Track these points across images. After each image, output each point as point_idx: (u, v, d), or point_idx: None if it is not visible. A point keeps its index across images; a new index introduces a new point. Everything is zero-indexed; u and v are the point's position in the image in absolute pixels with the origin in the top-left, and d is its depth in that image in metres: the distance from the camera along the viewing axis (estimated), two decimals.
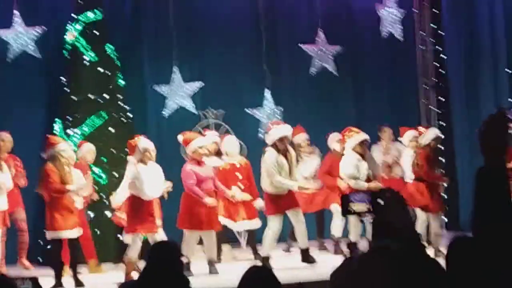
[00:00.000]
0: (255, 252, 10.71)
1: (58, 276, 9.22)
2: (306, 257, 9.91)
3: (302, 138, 10.90)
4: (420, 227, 10.02)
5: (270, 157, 9.75)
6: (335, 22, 13.48)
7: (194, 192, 9.60)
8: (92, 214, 10.83)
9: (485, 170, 2.89)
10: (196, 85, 12.49)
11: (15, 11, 11.72)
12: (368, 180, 10.12)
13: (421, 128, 10.95)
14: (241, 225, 10.76)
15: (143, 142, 9.64)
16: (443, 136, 11.18)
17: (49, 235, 9.47)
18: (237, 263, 10.37)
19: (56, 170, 9.32)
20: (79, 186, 9.49)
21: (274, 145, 9.79)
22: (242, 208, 10.56)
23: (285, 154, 9.83)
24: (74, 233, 9.41)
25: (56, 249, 9.53)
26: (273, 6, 13.44)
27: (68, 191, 9.32)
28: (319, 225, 11.41)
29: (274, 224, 9.86)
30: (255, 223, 10.75)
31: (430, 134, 10.64)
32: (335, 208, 10.78)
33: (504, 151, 2.92)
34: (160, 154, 10.02)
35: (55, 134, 11.00)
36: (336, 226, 11.06)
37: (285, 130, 9.99)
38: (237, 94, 12.77)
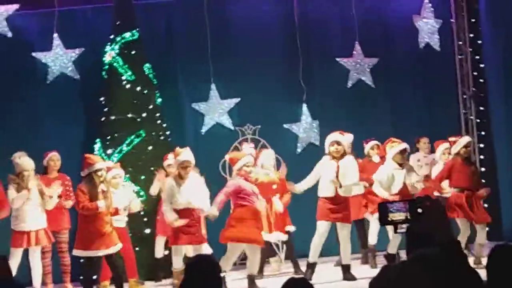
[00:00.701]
0: (295, 265, 10.76)
1: None
2: (346, 274, 9.90)
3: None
4: (461, 238, 9.92)
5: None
6: (371, 34, 13.38)
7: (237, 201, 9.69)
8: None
9: None
10: (233, 102, 12.51)
11: (55, 34, 11.88)
12: (405, 189, 10.09)
13: (451, 139, 10.86)
14: (276, 236, 10.69)
15: (182, 154, 9.77)
16: (469, 141, 11.00)
17: (74, 252, 9.63)
18: (279, 278, 10.29)
19: (87, 189, 9.39)
20: (108, 204, 9.48)
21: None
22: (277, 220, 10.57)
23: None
24: (108, 251, 9.45)
25: (85, 267, 9.61)
26: (308, 20, 13.40)
27: (97, 209, 9.34)
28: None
29: (320, 229, 9.90)
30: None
31: (461, 142, 10.57)
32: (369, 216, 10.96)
33: None
34: (198, 170, 10.07)
35: (95, 155, 11.09)
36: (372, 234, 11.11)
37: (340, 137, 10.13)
38: (274, 110, 12.73)
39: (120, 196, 10.10)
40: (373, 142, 11.17)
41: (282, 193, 10.65)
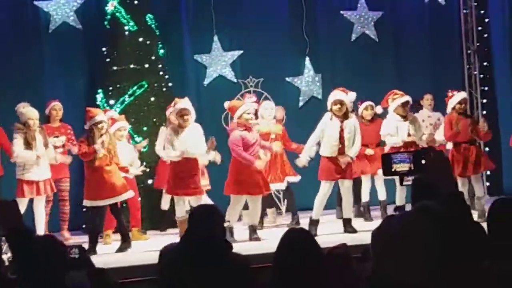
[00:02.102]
0: (293, 218, 10.78)
1: (92, 242, 9.22)
2: (347, 227, 9.90)
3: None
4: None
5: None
6: None
7: (244, 157, 9.56)
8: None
9: None
10: (236, 54, 12.39)
11: None
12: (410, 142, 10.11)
13: (449, 94, 10.76)
14: (274, 187, 10.68)
15: (180, 103, 9.70)
16: (465, 97, 10.89)
17: (84, 203, 9.60)
18: (278, 228, 10.28)
19: (87, 140, 9.36)
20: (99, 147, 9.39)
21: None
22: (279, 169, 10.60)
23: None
24: (112, 200, 9.44)
25: (91, 215, 9.61)
26: None
27: (94, 151, 9.27)
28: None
29: (324, 189, 9.86)
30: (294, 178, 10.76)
31: (456, 98, 10.46)
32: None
33: None
34: (200, 122, 9.97)
35: (97, 105, 11.06)
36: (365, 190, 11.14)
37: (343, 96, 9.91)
38: (277, 63, 12.67)
39: (125, 151, 10.10)
40: (367, 103, 11.01)
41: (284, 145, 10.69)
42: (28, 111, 9.71)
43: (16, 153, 9.59)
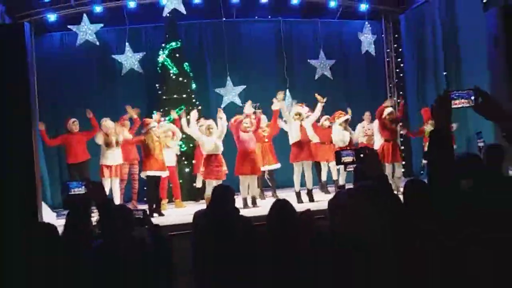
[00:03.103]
0: (274, 192, 10.69)
1: (150, 207, 9.20)
2: (310, 196, 9.83)
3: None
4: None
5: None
6: (331, 44, 13.26)
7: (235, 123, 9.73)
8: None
9: (435, 132, 2.74)
10: (241, 88, 12.33)
11: (127, 43, 11.71)
12: (350, 142, 10.20)
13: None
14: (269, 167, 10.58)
15: (206, 122, 9.78)
16: (391, 110, 10.78)
17: (142, 174, 9.59)
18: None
19: (144, 138, 9.33)
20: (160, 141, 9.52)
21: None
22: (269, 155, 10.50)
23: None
24: (157, 173, 9.40)
25: (148, 188, 9.51)
26: (291, 36, 13.33)
27: (145, 140, 9.31)
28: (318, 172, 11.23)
29: (296, 169, 9.81)
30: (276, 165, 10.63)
31: (386, 111, 10.43)
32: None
33: (449, 119, 2.77)
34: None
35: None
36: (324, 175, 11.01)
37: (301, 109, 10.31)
38: (267, 93, 12.53)
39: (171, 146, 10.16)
40: (325, 116, 10.96)
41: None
42: (108, 123, 9.89)
43: (99, 140, 9.84)
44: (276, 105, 10.00)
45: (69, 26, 11.33)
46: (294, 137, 9.88)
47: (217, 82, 12.43)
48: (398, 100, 13.30)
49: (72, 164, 9.95)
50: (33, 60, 10.93)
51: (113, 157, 9.80)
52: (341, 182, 10.46)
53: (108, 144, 9.74)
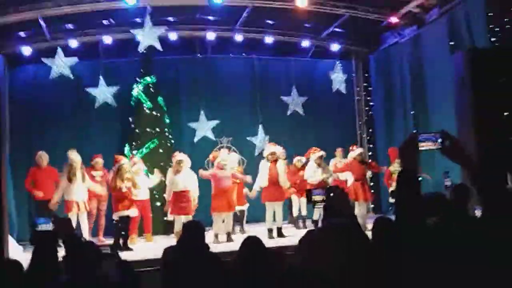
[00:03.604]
0: (242, 228, 10.65)
1: (116, 241, 9.09)
2: (280, 233, 9.78)
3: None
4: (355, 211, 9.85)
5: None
6: (304, 82, 13.35)
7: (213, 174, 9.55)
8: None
9: (403, 172, 2.76)
10: (214, 122, 12.32)
11: (101, 76, 11.65)
12: (322, 181, 10.09)
13: (351, 148, 10.84)
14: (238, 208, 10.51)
15: (178, 155, 9.64)
16: (362, 151, 10.98)
17: (114, 215, 9.37)
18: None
19: (116, 177, 9.19)
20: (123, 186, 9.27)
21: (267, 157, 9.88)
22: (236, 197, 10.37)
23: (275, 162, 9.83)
24: (128, 212, 9.25)
25: (118, 224, 9.35)
26: (265, 73, 13.42)
27: (120, 189, 9.11)
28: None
29: (269, 208, 9.75)
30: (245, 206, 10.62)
31: (356, 151, 10.50)
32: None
33: (416, 160, 2.79)
34: (192, 166, 9.91)
35: (124, 154, 10.91)
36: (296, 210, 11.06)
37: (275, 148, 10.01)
38: (240, 128, 12.67)
39: (143, 180, 9.99)
40: (298, 157, 11.00)
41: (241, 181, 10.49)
42: (73, 156, 9.51)
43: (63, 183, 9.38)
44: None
45: (43, 59, 11.23)
46: (264, 179, 9.81)
47: (191, 116, 12.41)
48: (369, 145, 13.52)
49: (41, 201, 9.68)
50: (6, 92, 10.78)
51: (78, 192, 9.41)
52: (315, 217, 10.39)
53: (70, 179, 9.32)
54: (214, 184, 9.57)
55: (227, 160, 9.85)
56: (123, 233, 9.23)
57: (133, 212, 9.35)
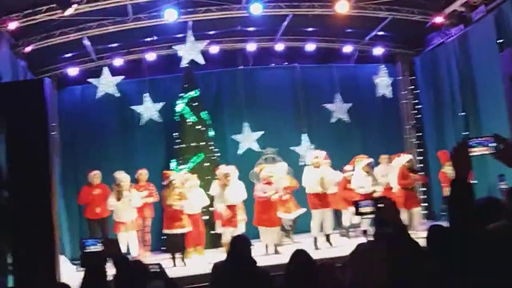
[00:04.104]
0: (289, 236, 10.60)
1: (173, 257, 9.17)
2: (328, 240, 9.67)
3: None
4: (404, 219, 9.59)
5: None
6: (348, 88, 13.14)
7: (261, 197, 9.42)
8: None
9: (456, 180, 2.63)
10: (259, 134, 12.32)
11: (146, 94, 11.84)
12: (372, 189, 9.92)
13: (400, 155, 10.64)
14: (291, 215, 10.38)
15: (223, 169, 9.68)
16: (411, 158, 10.81)
17: (164, 231, 9.48)
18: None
19: (167, 193, 9.28)
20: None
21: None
22: (290, 204, 10.26)
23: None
24: (178, 231, 9.31)
25: (170, 240, 9.38)
26: (307, 81, 13.30)
27: (171, 206, 9.16)
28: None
29: (315, 216, 9.63)
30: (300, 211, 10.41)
31: (405, 158, 10.25)
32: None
33: (469, 167, 2.71)
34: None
35: (170, 169, 11.01)
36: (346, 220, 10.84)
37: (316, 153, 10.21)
38: (284, 138, 12.56)
39: (197, 195, 10.04)
40: (347, 169, 10.81)
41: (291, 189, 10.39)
42: (121, 176, 9.68)
43: (110, 203, 9.54)
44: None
45: (89, 80, 11.50)
46: (312, 187, 9.72)
47: (234, 129, 12.44)
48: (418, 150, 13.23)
49: (92, 220, 9.86)
50: (56, 113, 11.10)
51: (126, 213, 9.55)
52: (363, 227, 10.20)
53: (119, 199, 9.48)
54: (258, 198, 9.54)
55: (273, 173, 9.81)
56: (176, 249, 9.29)
57: (185, 229, 9.41)
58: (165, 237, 9.95)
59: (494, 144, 2.71)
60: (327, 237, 9.67)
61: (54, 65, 12.07)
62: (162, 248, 10.68)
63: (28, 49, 10.43)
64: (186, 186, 9.82)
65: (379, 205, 3.75)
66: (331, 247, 9.52)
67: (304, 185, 9.98)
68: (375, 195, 9.73)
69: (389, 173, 10.73)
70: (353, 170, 10.51)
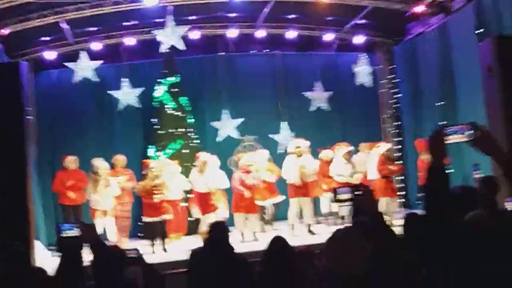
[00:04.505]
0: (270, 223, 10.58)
1: (152, 244, 9.13)
2: (309, 229, 9.72)
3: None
4: (381, 208, 9.66)
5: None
6: (328, 76, 13.17)
7: (238, 189, 9.47)
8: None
9: (432, 167, 2.68)
10: (239, 121, 12.32)
11: (124, 79, 11.75)
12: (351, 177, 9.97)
13: (379, 144, 10.70)
14: (267, 202, 10.40)
15: (202, 156, 9.62)
16: (389, 147, 10.92)
17: (143, 219, 9.45)
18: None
19: (146, 182, 9.23)
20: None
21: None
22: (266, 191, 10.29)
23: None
24: (157, 219, 9.27)
25: (149, 227, 9.37)
26: (287, 69, 13.27)
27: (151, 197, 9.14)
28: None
29: (292, 205, 9.68)
30: (278, 198, 10.44)
31: (383, 147, 10.36)
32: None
33: (444, 155, 2.73)
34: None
35: (149, 157, 10.95)
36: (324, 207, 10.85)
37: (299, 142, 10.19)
38: (264, 125, 12.58)
39: (178, 181, 10.00)
40: (325, 151, 10.84)
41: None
42: (99, 163, 9.57)
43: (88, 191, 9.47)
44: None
45: (65, 64, 11.35)
46: (294, 176, 9.73)
47: (214, 115, 12.41)
48: (396, 139, 13.34)
49: (67, 206, 9.75)
50: (31, 97, 10.93)
51: (104, 201, 9.45)
52: (341, 213, 10.27)
53: (95, 187, 9.36)
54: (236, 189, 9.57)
55: (253, 162, 9.82)
56: (155, 236, 9.26)
57: (165, 216, 9.37)
58: (142, 223, 9.89)
59: (471, 132, 2.73)
60: (308, 227, 9.71)
61: (31, 48, 11.87)
62: (139, 234, 10.63)
63: (5, 32, 10.24)
64: (165, 173, 9.75)
65: (356, 193, 3.79)
66: (309, 235, 9.56)
67: (283, 176, 9.97)
68: (353, 183, 9.80)
69: (368, 161, 10.78)
70: (330, 155, 10.58)
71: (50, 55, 11.91)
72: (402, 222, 4.11)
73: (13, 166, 6.19)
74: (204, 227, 9.01)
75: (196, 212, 10.26)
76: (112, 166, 10.23)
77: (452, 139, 2.75)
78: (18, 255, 4.11)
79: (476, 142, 2.74)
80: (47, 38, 11.82)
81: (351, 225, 3.83)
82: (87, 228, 4.14)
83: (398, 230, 3.90)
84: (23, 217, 6.06)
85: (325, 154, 10.73)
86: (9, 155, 6.21)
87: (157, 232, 9.29)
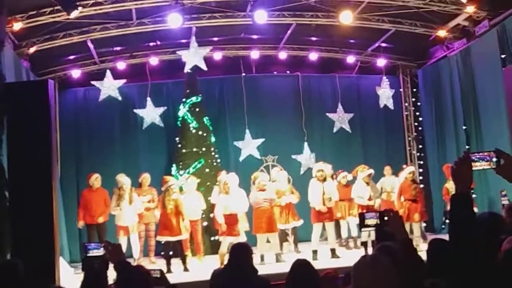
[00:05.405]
0: (296, 246, 10.50)
1: (168, 264, 9.10)
2: (334, 254, 9.60)
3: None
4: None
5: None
6: (349, 98, 13.25)
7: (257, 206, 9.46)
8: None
9: (456, 195, 2.70)
10: (260, 141, 12.36)
11: (148, 98, 11.91)
12: (369, 199, 9.88)
13: (404, 166, 10.65)
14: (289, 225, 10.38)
15: (223, 176, 9.69)
16: (413, 170, 10.73)
17: (158, 238, 9.45)
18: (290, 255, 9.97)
19: (164, 199, 9.23)
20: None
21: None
22: (290, 214, 10.27)
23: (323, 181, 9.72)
24: (169, 238, 9.23)
25: (165, 246, 9.36)
26: (309, 90, 13.33)
27: (167, 212, 9.17)
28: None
29: (315, 228, 9.60)
30: (298, 222, 10.42)
31: (408, 169, 10.30)
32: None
33: (471, 181, 2.73)
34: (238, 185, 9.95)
35: (171, 174, 11.02)
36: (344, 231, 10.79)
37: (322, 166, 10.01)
38: (286, 146, 12.61)
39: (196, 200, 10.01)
40: (343, 173, 10.83)
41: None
42: (123, 179, 9.68)
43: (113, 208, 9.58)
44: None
45: (92, 82, 11.55)
46: (318, 201, 9.67)
47: (236, 135, 12.49)
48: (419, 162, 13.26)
49: (90, 225, 9.81)
50: (57, 115, 11.13)
51: (128, 217, 9.56)
52: (363, 239, 10.14)
53: (120, 204, 9.48)
54: (254, 207, 9.53)
55: (267, 181, 9.81)
56: (169, 255, 9.24)
57: (176, 238, 9.29)
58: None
59: (496, 159, 2.74)
60: (333, 251, 9.59)
61: (56, 66, 12.11)
62: (162, 253, 10.67)
63: (31, 50, 10.48)
64: (184, 191, 9.78)
65: (384, 218, 3.77)
66: (331, 258, 9.46)
67: (309, 200, 9.86)
68: (375, 206, 9.75)
69: (394, 185, 10.69)
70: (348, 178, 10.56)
71: (75, 73, 12.14)
72: (426, 247, 4.08)
73: (40, 183, 6.28)
74: (224, 248, 9.01)
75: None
76: (139, 185, 10.32)
77: (478, 166, 2.76)
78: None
79: (501, 169, 2.75)
80: (73, 57, 12.04)
81: (378, 251, 3.81)
82: (113, 247, 4.19)
83: (422, 255, 3.88)
84: (49, 235, 6.13)
85: (342, 177, 10.71)
86: (36, 173, 6.30)
87: (174, 251, 9.27)
